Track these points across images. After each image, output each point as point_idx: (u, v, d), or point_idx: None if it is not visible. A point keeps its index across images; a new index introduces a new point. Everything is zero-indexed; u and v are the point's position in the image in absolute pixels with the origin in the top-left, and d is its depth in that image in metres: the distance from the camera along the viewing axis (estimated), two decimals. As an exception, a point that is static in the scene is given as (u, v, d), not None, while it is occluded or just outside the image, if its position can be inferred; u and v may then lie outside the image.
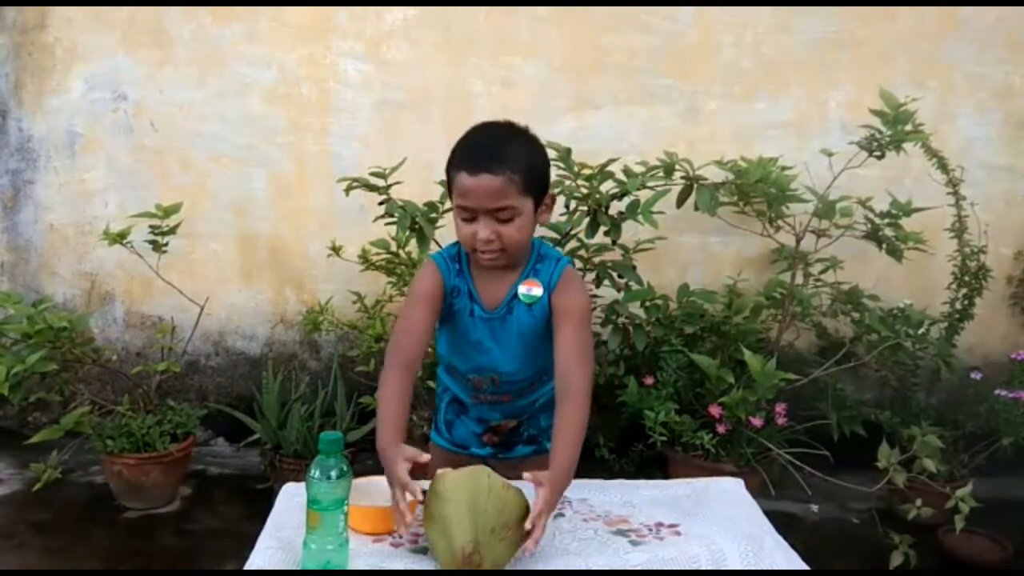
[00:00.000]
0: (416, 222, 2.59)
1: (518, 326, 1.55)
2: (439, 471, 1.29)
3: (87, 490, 2.94)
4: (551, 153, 2.55)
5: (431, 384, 2.82)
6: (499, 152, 1.44)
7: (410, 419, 2.88)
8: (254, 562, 1.25)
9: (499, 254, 1.48)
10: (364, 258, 2.82)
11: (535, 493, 1.28)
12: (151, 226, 2.86)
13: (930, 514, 2.45)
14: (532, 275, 1.55)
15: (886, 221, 2.81)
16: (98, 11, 3.14)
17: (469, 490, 1.22)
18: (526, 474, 1.32)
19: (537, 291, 1.54)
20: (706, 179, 2.76)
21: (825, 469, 2.61)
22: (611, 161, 2.73)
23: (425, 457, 1.34)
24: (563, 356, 1.49)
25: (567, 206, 2.71)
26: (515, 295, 1.54)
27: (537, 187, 1.48)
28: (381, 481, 1.43)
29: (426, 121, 3.18)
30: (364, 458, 3.08)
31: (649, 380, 2.72)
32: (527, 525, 1.24)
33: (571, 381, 1.45)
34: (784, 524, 1.47)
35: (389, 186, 2.61)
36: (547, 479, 1.30)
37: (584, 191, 2.66)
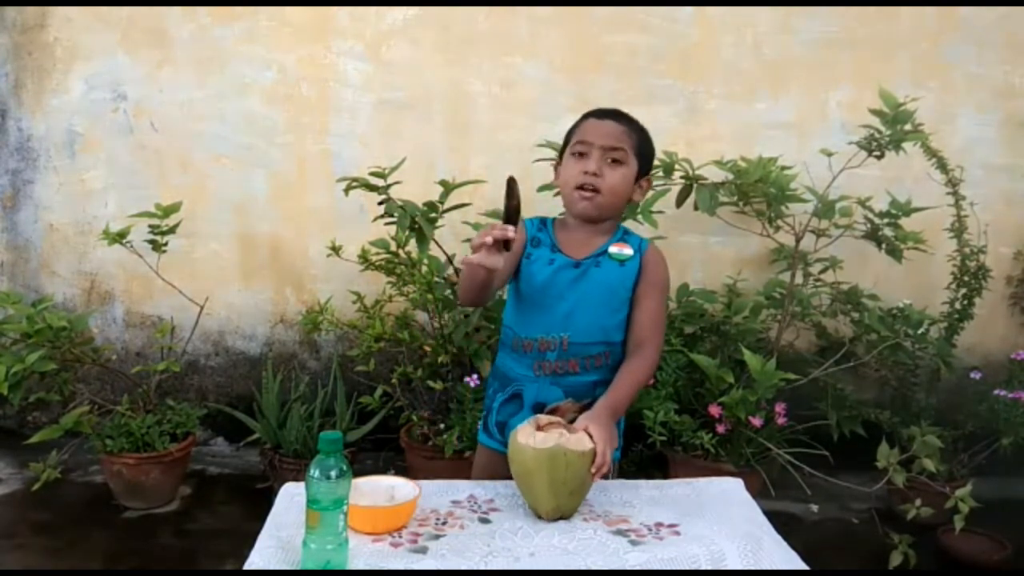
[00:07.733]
0: (416, 222, 2.59)
1: (605, 279, 1.66)
2: (521, 432, 1.41)
3: (87, 490, 2.94)
4: (550, 153, 2.57)
5: (431, 384, 2.83)
6: (623, 114, 1.69)
7: (409, 418, 2.90)
8: (254, 562, 1.25)
9: (594, 195, 1.63)
10: (364, 258, 2.82)
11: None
12: (151, 226, 2.86)
13: (930, 514, 2.45)
14: (622, 240, 1.71)
15: (886, 221, 2.81)
16: (98, 11, 3.14)
17: (548, 471, 1.38)
18: (578, 425, 1.47)
19: (628, 251, 1.69)
20: (706, 179, 2.77)
21: (825, 469, 2.62)
22: (611, 161, 2.73)
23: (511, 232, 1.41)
24: (642, 322, 1.67)
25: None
26: (604, 251, 1.68)
27: (644, 159, 1.69)
28: (381, 481, 1.43)
29: (426, 121, 3.18)
30: (364, 458, 3.09)
31: (649, 380, 2.71)
32: (593, 470, 1.41)
33: (644, 343, 1.65)
34: (784, 524, 1.47)
35: (389, 186, 2.61)
36: (587, 420, 1.46)
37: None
